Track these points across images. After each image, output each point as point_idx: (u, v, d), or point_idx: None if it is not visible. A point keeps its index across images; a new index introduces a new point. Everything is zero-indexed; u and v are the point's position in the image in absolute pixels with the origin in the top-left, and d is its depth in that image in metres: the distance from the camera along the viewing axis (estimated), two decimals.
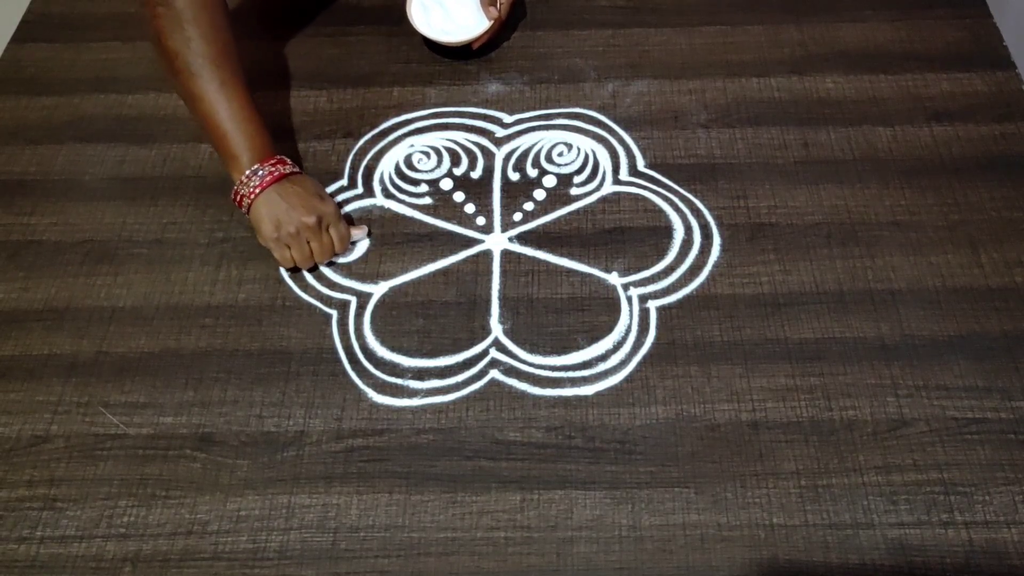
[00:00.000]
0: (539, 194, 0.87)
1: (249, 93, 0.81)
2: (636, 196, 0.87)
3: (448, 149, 0.91)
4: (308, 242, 0.79)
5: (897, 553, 0.66)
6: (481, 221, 0.86)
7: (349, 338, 0.78)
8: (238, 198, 0.79)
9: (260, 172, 0.78)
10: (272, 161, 0.79)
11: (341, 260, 0.83)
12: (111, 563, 0.67)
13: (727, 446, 0.72)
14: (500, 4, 0.96)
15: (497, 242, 0.84)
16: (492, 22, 0.95)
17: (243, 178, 0.78)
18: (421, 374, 0.76)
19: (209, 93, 0.78)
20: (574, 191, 0.88)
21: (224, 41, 0.80)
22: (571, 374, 0.76)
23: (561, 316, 0.79)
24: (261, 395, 0.75)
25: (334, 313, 0.80)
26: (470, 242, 0.84)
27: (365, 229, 0.84)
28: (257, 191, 0.78)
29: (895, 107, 0.93)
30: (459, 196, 0.88)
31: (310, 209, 0.78)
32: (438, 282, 0.82)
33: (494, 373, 0.76)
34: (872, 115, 0.92)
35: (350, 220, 0.85)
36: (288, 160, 0.81)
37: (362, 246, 0.84)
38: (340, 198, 0.87)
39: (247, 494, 0.70)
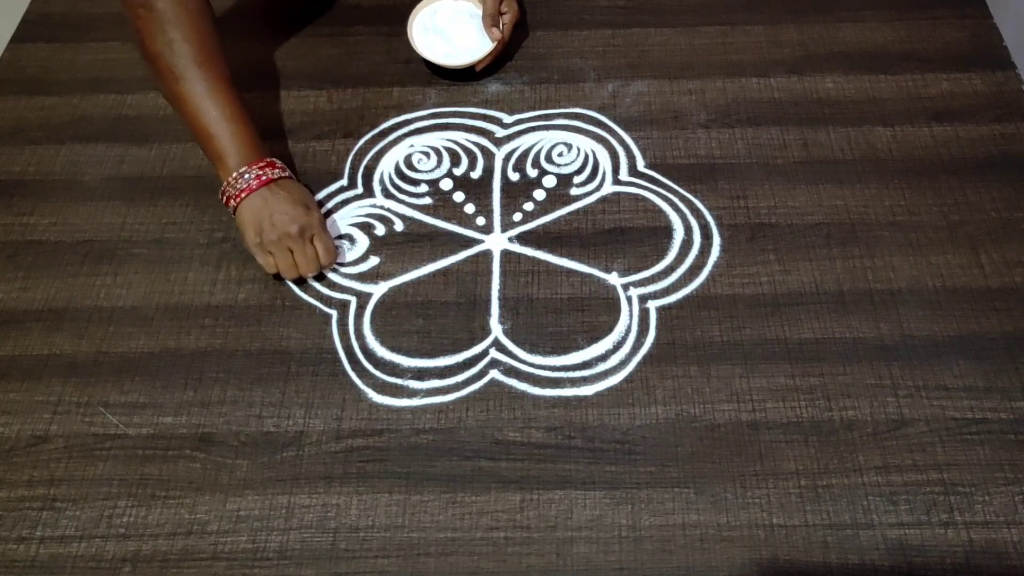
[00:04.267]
0: (539, 194, 0.87)
1: (236, 94, 0.80)
2: (636, 196, 0.87)
3: (448, 149, 0.91)
4: (291, 251, 0.78)
5: (897, 553, 0.66)
6: (481, 221, 0.86)
7: (349, 338, 0.78)
8: (225, 199, 0.79)
9: (247, 175, 0.77)
10: (260, 164, 0.78)
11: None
12: (111, 563, 0.67)
13: (727, 446, 0.72)
14: (503, 25, 0.95)
15: (497, 242, 0.84)
16: (495, 44, 0.95)
17: (230, 179, 0.77)
18: (421, 374, 0.76)
19: (194, 96, 0.77)
20: (574, 191, 0.88)
21: (208, 42, 0.79)
22: (571, 374, 0.76)
23: (561, 316, 0.79)
24: (261, 395, 0.75)
25: (334, 313, 0.80)
26: (470, 242, 0.84)
27: (342, 251, 0.83)
28: (242, 195, 0.77)
29: (895, 107, 0.93)
30: (459, 196, 0.88)
31: (293, 218, 0.77)
32: (438, 282, 0.82)
33: (494, 373, 0.76)
34: (872, 115, 0.92)
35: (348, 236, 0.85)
36: (278, 163, 0.80)
37: (362, 245, 0.84)
38: (340, 198, 0.88)
39: (247, 494, 0.70)
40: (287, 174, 0.80)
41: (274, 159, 0.80)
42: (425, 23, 0.97)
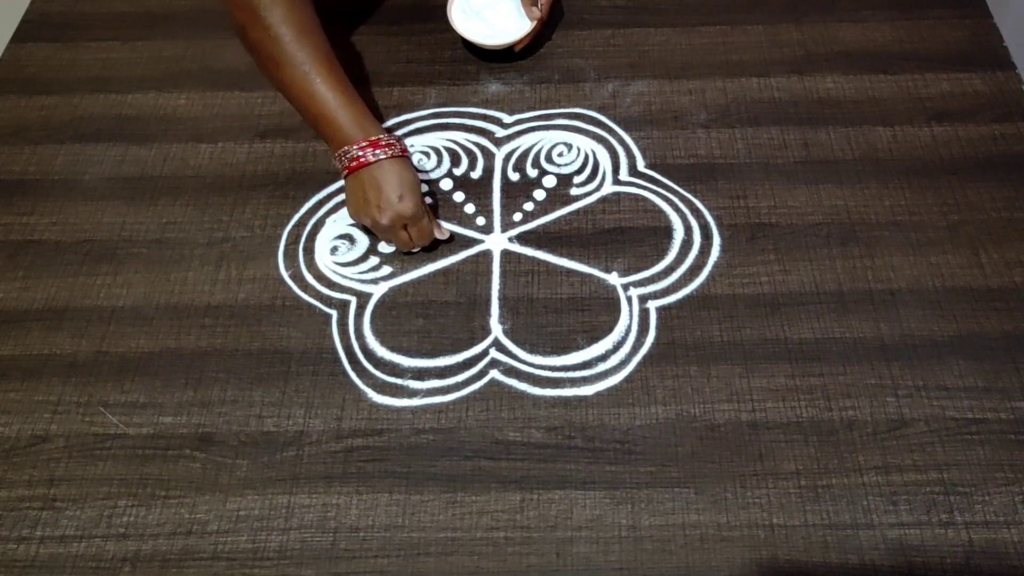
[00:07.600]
0: (539, 194, 0.87)
1: (337, 72, 0.80)
2: (636, 196, 0.87)
3: (448, 149, 0.91)
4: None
5: (897, 553, 0.66)
6: (481, 221, 0.86)
7: (349, 338, 0.78)
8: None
9: (348, 156, 0.78)
10: (361, 144, 0.78)
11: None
12: (111, 563, 0.67)
13: (727, 446, 0.72)
14: (541, 4, 0.95)
15: (497, 242, 0.84)
16: (534, 23, 0.94)
17: (336, 155, 0.79)
18: (421, 374, 0.76)
19: (295, 80, 0.78)
20: (574, 191, 0.88)
21: (305, 23, 0.79)
22: (571, 374, 0.76)
23: (561, 316, 0.79)
24: (261, 395, 0.75)
25: (334, 313, 0.80)
26: (470, 242, 0.84)
27: (447, 233, 0.83)
28: (344, 174, 0.79)
29: (895, 107, 0.93)
30: (459, 196, 0.88)
31: (383, 208, 0.78)
32: (438, 282, 0.82)
33: (494, 373, 0.76)
34: (872, 115, 0.92)
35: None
36: (382, 139, 0.78)
37: (362, 245, 0.84)
38: (340, 198, 0.87)
39: (247, 494, 0.70)
40: (385, 155, 0.78)
41: (377, 138, 0.78)
42: (464, 5, 0.97)
